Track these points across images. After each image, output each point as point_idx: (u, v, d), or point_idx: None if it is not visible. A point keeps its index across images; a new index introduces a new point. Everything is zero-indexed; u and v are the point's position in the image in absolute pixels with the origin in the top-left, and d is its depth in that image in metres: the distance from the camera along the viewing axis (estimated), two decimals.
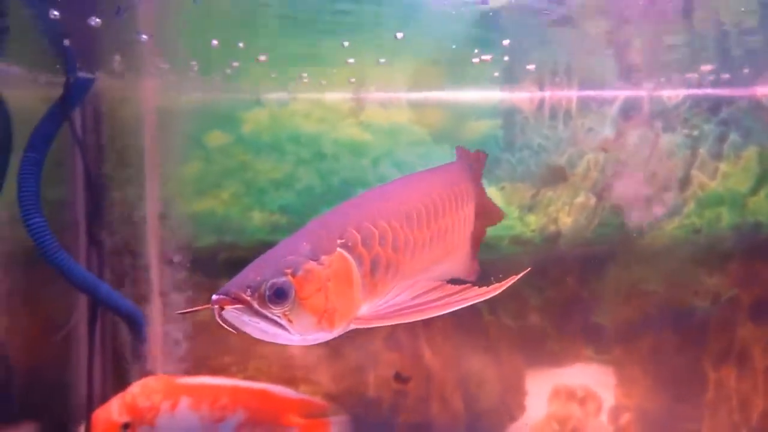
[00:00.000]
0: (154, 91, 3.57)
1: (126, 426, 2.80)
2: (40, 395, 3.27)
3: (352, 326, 1.47)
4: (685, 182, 3.67)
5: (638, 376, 3.92)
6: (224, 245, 3.81)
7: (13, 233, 3.08)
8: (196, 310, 1.49)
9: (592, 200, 3.77)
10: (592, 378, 3.96)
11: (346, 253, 1.44)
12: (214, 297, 1.32)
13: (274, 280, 1.33)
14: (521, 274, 1.48)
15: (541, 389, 3.92)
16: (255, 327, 1.35)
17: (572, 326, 4.06)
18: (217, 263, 3.82)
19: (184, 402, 2.88)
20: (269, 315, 1.33)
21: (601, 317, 4.03)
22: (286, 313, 1.34)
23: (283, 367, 3.92)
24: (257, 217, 3.82)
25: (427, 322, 4.05)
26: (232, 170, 3.81)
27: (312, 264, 1.38)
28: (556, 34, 3.50)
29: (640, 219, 3.74)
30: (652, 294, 3.93)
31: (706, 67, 3.60)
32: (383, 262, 1.50)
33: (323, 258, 1.40)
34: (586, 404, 3.82)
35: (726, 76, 3.58)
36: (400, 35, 2.86)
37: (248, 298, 1.32)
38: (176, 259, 3.60)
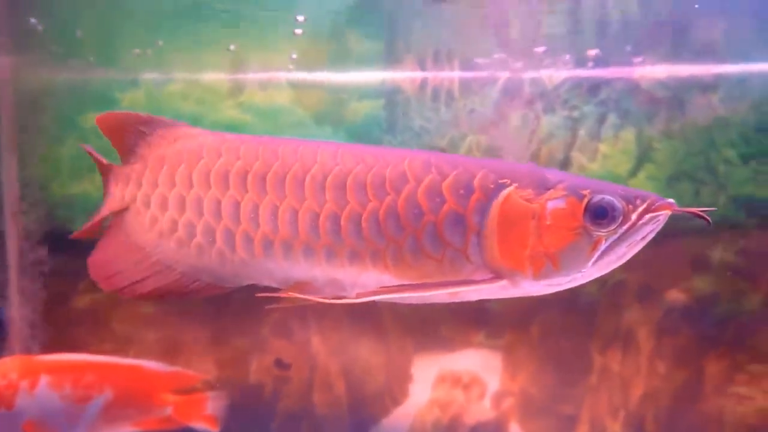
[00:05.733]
0: (18, 68, 3.47)
1: None
2: None
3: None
4: (565, 164, 3.64)
5: (525, 361, 3.89)
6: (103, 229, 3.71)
7: None
8: None
9: None
10: (480, 363, 3.92)
11: None
12: (671, 201, 1.35)
13: None
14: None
15: (428, 375, 3.88)
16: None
17: (465, 311, 4.02)
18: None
19: (44, 380, 2.71)
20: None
21: (494, 302, 3.99)
22: None
23: (165, 353, 3.83)
24: None
25: (319, 310, 3.99)
26: (107, 152, 3.71)
27: None
28: (436, 13, 3.46)
29: None
30: None
31: (585, 48, 3.57)
32: None
33: None
34: (470, 389, 3.78)
35: (604, 57, 3.56)
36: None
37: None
38: (42, 242, 3.50)
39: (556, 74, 3.58)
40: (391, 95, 3.72)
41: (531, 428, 3.77)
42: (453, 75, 3.67)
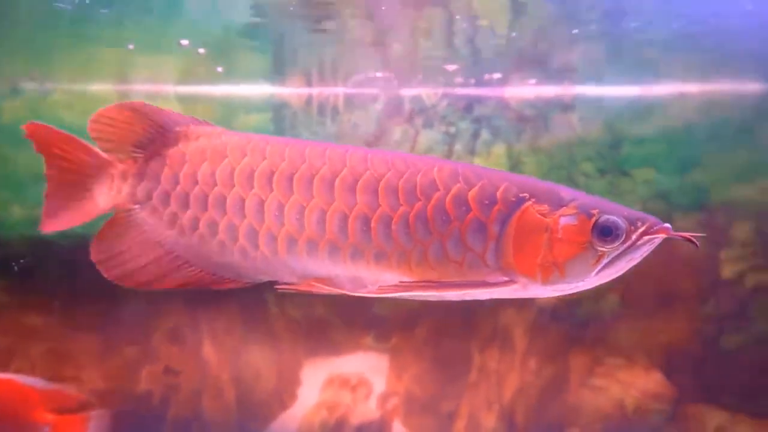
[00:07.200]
0: None
1: None
2: None
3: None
4: None
5: (410, 362, 4.11)
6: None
7: None
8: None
9: None
10: (368, 365, 4.10)
11: None
12: (667, 225, 1.48)
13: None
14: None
15: (317, 378, 4.02)
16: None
17: (355, 316, 4.20)
18: None
19: None
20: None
21: (382, 308, 4.19)
22: None
23: (50, 365, 3.79)
24: (18, 212, 3.68)
25: (212, 317, 4.06)
26: None
27: None
28: (321, 34, 3.60)
29: None
30: None
31: (462, 69, 3.83)
32: None
33: None
34: (357, 391, 3.96)
35: (478, 77, 3.83)
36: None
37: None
38: None
39: (434, 92, 3.82)
40: (278, 109, 3.85)
41: (413, 425, 3.99)
42: (337, 91, 3.84)
